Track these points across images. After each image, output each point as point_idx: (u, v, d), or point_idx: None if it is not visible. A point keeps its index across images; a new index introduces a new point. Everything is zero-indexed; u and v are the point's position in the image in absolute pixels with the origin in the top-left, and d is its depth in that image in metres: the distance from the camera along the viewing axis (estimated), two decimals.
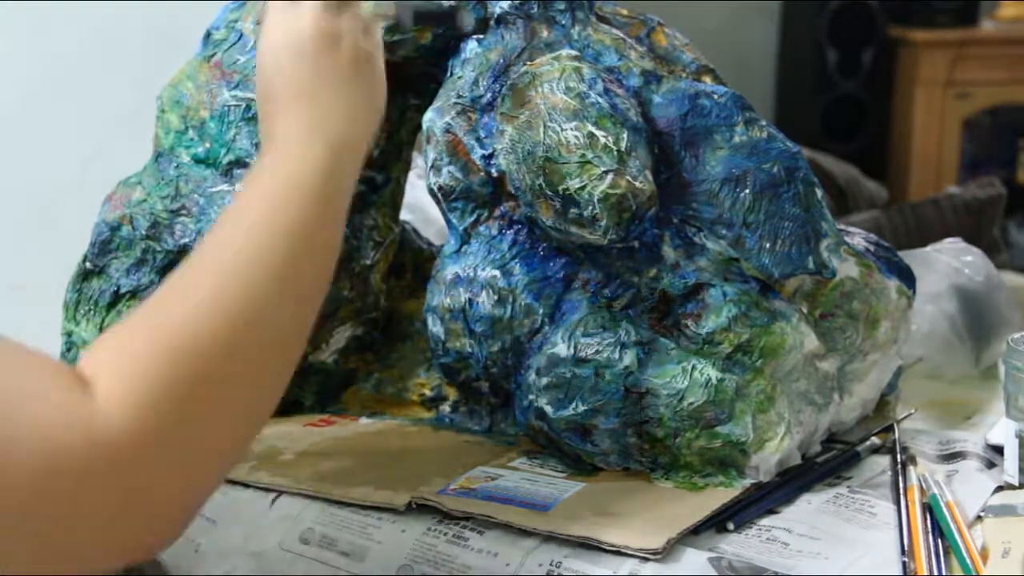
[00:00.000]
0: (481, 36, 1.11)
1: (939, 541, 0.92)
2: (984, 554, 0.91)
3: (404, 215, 1.27)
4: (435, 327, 1.10)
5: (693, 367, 1.00)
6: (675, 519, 0.94)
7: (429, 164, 1.10)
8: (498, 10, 1.10)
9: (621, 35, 1.10)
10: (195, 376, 0.70)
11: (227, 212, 0.82)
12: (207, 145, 1.17)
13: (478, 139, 1.07)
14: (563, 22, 1.10)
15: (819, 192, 1.07)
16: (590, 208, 1.00)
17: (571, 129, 1.01)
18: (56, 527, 0.65)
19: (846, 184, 2.52)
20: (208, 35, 1.21)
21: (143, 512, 0.67)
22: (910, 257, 1.23)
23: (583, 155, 1.00)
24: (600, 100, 1.02)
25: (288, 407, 1.19)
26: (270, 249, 0.77)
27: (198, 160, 1.18)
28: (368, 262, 1.18)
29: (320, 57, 0.88)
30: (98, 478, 0.65)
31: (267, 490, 1.04)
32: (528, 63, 1.07)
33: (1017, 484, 1.00)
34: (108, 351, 0.70)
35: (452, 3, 1.08)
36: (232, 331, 0.72)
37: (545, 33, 1.09)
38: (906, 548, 0.91)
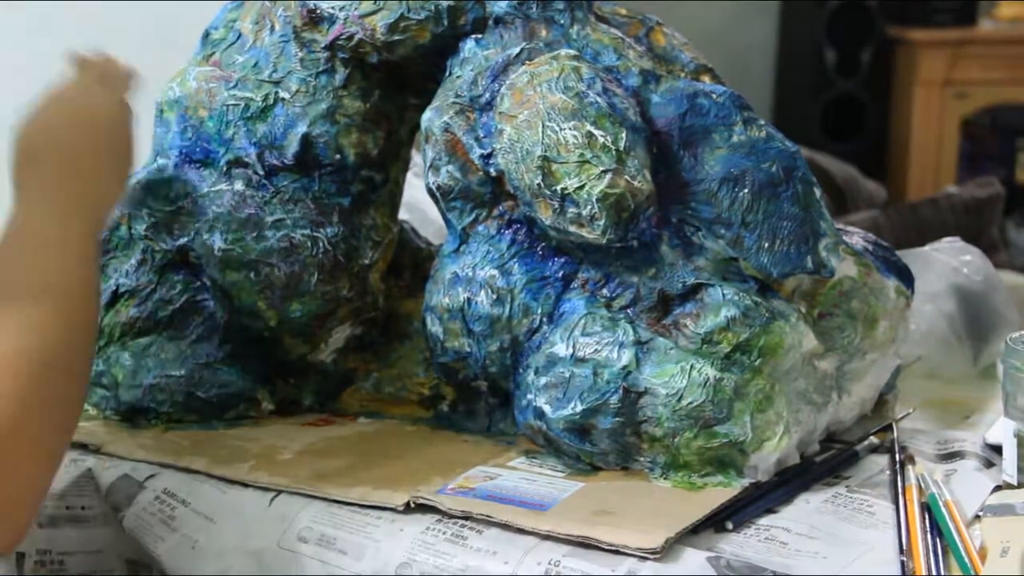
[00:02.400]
0: (480, 36, 1.11)
1: (937, 540, 0.92)
2: (982, 553, 0.91)
3: (403, 214, 1.27)
4: (434, 326, 1.10)
5: (692, 367, 1.00)
6: (674, 518, 0.94)
7: (427, 163, 1.10)
8: (497, 10, 1.11)
9: (620, 35, 1.10)
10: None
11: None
12: (206, 145, 1.17)
13: (477, 138, 1.07)
14: (562, 22, 1.10)
15: (817, 191, 1.07)
16: (589, 207, 1.00)
17: (570, 128, 1.01)
18: None
19: (845, 184, 2.53)
20: (207, 35, 1.21)
21: None
22: (909, 257, 1.23)
23: (582, 154, 1.00)
24: (599, 100, 1.02)
25: (287, 406, 1.19)
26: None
27: (197, 160, 1.18)
28: (366, 262, 1.18)
29: (102, 142, 1.01)
30: None
31: (266, 489, 1.04)
32: (527, 63, 1.07)
33: (1016, 483, 1.00)
34: None
35: None
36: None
37: (544, 33, 1.09)
38: (904, 547, 0.91)
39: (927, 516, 0.95)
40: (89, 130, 1.00)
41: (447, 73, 1.12)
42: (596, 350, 1.02)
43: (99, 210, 0.99)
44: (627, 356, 1.01)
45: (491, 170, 1.06)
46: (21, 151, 0.97)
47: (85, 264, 0.94)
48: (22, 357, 0.84)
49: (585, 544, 0.92)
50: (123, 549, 1.07)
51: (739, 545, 0.93)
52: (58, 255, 0.92)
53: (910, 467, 1.02)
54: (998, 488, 1.01)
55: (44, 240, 0.92)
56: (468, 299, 1.07)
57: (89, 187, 0.97)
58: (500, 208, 1.08)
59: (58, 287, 0.90)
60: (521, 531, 0.95)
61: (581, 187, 1.00)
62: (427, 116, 1.10)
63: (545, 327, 1.05)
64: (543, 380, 1.03)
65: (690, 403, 1.00)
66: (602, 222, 1.00)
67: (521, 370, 1.06)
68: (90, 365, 0.94)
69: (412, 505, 0.99)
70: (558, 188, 1.01)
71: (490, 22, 1.11)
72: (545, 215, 1.03)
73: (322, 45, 1.15)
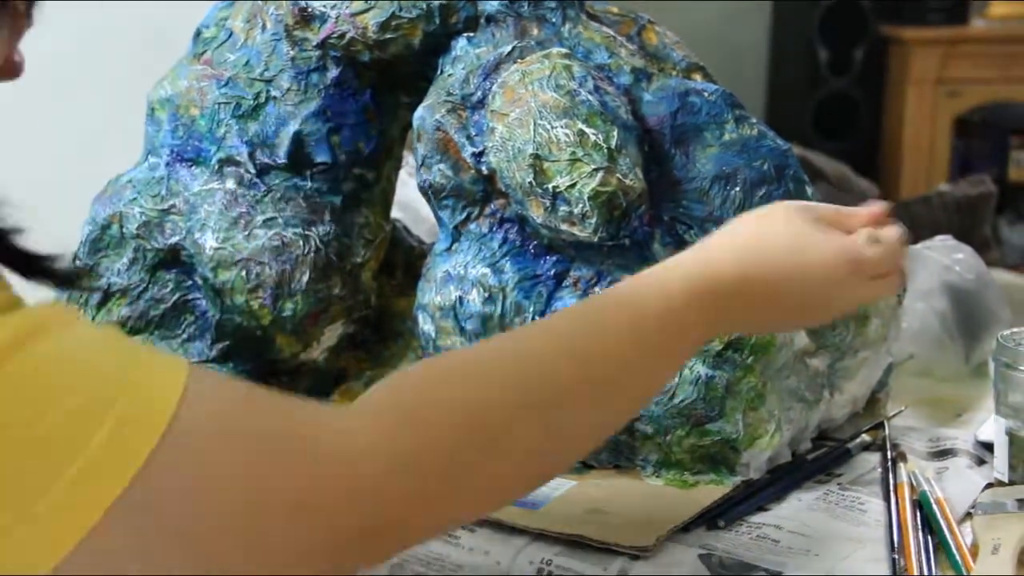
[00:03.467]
0: (472, 34, 1.11)
1: (929, 538, 0.93)
2: (974, 551, 0.91)
3: (395, 213, 1.27)
4: (426, 325, 1.10)
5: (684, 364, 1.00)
6: (665, 516, 0.94)
7: (419, 162, 1.10)
8: (489, 8, 1.10)
9: (611, 33, 1.10)
10: (460, 440, 0.69)
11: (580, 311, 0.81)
12: (197, 143, 1.17)
13: (468, 137, 1.07)
14: (553, 20, 1.10)
15: (809, 190, 1.07)
16: (580, 206, 1.00)
17: (561, 127, 1.01)
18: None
19: (837, 182, 2.52)
20: (198, 33, 1.21)
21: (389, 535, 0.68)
22: None
23: (573, 153, 1.00)
24: (590, 98, 1.02)
25: None
26: (605, 367, 0.75)
27: (188, 158, 1.17)
28: (359, 260, 1.18)
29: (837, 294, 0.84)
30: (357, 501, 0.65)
31: None
32: (518, 61, 1.07)
33: (1007, 481, 1.00)
34: (383, 396, 0.70)
35: None
36: (513, 415, 0.71)
37: (536, 31, 1.09)
38: (896, 545, 0.91)
39: (919, 514, 0.95)
40: (797, 276, 0.82)
41: (439, 71, 1.12)
42: None
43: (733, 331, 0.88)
44: None
45: (483, 168, 1.06)
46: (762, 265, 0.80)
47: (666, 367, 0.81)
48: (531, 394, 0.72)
49: (577, 543, 0.92)
50: None
51: (731, 543, 0.93)
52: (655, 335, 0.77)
53: (902, 465, 1.02)
54: (989, 486, 1.01)
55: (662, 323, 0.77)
56: (460, 297, 1.07)
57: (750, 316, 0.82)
58: (492, 206, 1.08)
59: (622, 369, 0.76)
60: (513, 530, 0.94)
61: (572, 185, 1.00)
62: (419, 114, 1.10)
63: None
64: None
65: (682, 401, 1.00)
66: (594, 220, 1.00)
67: None
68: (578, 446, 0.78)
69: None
70: (550, 186, 1.01)
71: (482, 20, 1.11)
72: (537, 213, 1.03)
73: (314, 43, 1.15)
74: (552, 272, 1.06)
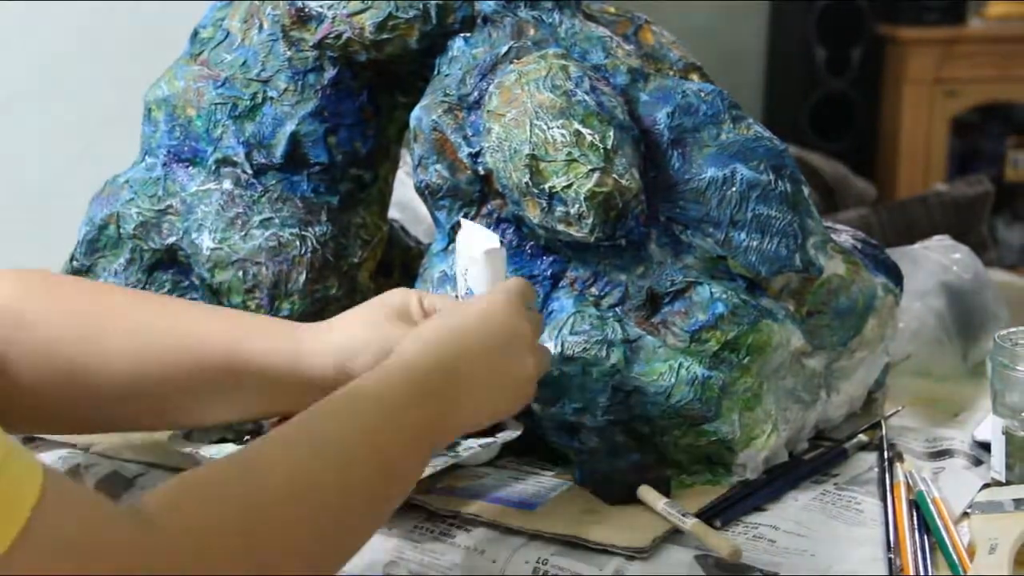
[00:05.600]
0: (468, 34, 1.11)
1: (925, 538, 0.93)
2: (971, 551, 0.91)
3: (393, 213, 1.27)
4: None
5: (680, 365, 1.00)
6: (662, 517, 0.94)
7: (416, 162, 1.10)
8: (486, 9, 1.10)
9: (608, 33, 1.10)
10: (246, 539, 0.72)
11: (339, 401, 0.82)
12: (194, 144, 1.17)
13: (465, 137, 1.07)
14: (550, 20, 1.10)
15: (806, 190, 1.07)
16: (576, 206, 1.00)
17: (557, 127, 1.01)
18: None
19: (835, 182, 2.52)
20: (195, 33, 1.21)
21: None
22: (898, 254, 1.23)
23: (569, 153, 1.00)
24: (586, 98, 1.02)
25: None
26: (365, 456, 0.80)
27: (185, 159, 1.17)
28: (356, 260, 1.18)
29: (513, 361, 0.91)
30: None
31: None
32: (515, 61, 1.07)
33: (1004, 481, 1.00)
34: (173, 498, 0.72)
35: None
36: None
37: (532, 31, 1.09)
38: (892, 545, 0.91)
39: (915, 514, 0.95)
40: (497, 355, 0.90)
41: (435, 71, 1.12)
42: (585, 349, 1.02)
43: (446, 430, 0.87)
44: (616, 355, 1.01)
45: (479, 168, 1.06)
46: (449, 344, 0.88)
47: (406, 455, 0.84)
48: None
49: (573, 543, 0.92)
50: None
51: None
52: (390, 431, 0.82)
53: (899, 465, 1.02)
54: (986, 485, 1.01)
55: (383, 406, 0.82)
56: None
57: (457, 406, 0.87)
58: (488, 207, 1.08)
59: (362, 456, 0.80)
60: (509, 530, 0.95)
61: (569, 185, 1.00)
62: (415, 114, 1.10)
63: None
64: None
65: (678, 401, 1.00)
66: (590, 220, 1.00)
67: None
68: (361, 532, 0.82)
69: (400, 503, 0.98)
70: (546, 186, 1.01)
71: (479, 20, 1.11)
72: (533, 214, 1.03)
73: (310, 44, 1.15)
74: (549, 272, 1.06)
